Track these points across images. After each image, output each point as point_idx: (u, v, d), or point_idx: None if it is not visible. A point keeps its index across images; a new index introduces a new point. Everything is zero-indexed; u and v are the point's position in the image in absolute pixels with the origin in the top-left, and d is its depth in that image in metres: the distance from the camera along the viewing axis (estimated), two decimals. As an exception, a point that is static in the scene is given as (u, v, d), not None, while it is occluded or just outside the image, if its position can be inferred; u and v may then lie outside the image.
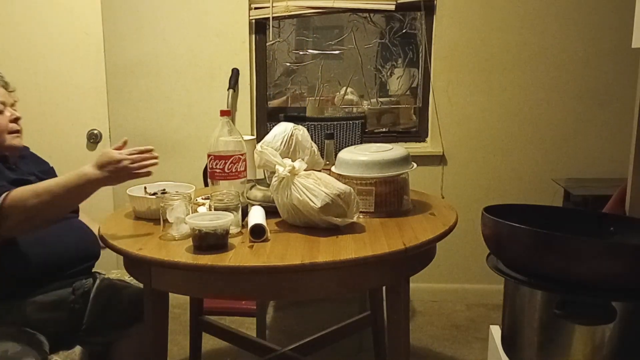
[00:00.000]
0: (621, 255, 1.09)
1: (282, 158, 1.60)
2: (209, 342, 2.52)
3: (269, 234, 1.48)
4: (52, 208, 1.51)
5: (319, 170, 1.68)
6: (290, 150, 1.74)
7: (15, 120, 1.71)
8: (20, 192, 1.48)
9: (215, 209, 1.50)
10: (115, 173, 1.50)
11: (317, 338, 2.17)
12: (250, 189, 1.75)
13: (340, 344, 2.41)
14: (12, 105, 1.74)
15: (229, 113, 1.70)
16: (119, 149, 1.55)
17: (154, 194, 1.73)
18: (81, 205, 1.76)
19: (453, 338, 2.75)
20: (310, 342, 2.15)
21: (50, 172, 1.84)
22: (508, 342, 1.31)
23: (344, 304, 2.97)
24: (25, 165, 1.78)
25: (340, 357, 2.54)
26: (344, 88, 3.30)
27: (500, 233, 1.24)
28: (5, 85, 1.77)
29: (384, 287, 1.58)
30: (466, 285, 3.14)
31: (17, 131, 1.72)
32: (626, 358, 1.13)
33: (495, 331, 1.43)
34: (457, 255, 3.07)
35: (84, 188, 1.51)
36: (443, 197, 3.03)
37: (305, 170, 1.57)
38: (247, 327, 2.75)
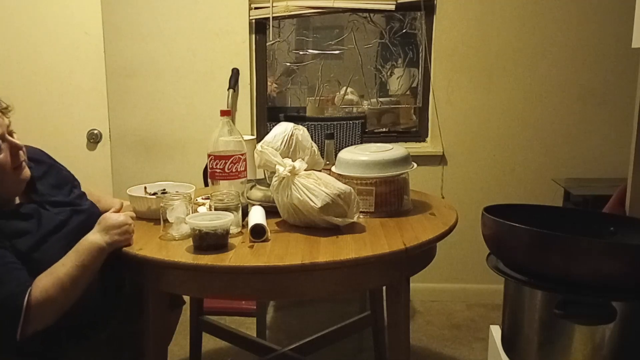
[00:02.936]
0: (621, 255, 1.09)
1: (282, 158, 1.60)
2: (209, 342, 2.52)
3: (269, 234, 1.48)
4: (76, 291, 1.40)
5: (319, 170, 1.68)
6: (290, 150, 1.74)
7: (17, 151, 1.45)
8: (43, 291, 1.33)
9: (215, 209, 1.50)
10: (126, 234, 1.45)
11: (317, 338, 2.17)
12: (251, 189, 1.75)
13: (340, 344, 2.41)
14: (9, 130, 1.44)
15: (229, 113, 1.70)
16: (117, 211, 1.56)
17: (154, 194, 1.73)
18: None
19: (453, 338, 2.75)
20: (310, 342, 2.15)
21: (64, 180, 1.69)
22: (508, 342, 1.31)
23: (344, 304, 2.97)
24: (36, 189, 1.55)
25: (340, 357, 2.54)
26: (344, 88, 3.30)
27: (500, 233, 1.24)
28: None
29: (384, 287, 1.58)
30: (466, 285, 3.14)
31: (22, 162, 1.47)
32: (626, 358, 1.13)
33: (495, 331, 1.43)
34: (457, 255, 3.07)
35: (98, 259, 1.42)
36: (443, 197, 3.02)
37: (305, 170, 1.57)
38: (247, 327, 2.75)
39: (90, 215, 1.61)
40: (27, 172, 1.49)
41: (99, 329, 1.58)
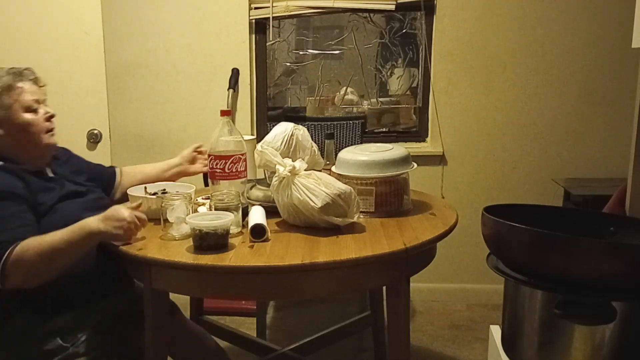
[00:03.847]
0: (621, 255, 1.09)
1: (283, 158, 1.60)
2: (209, 342, 2.51)
3: (269, 234, 1.48)
4: (55, 263, 1.44)
5: (319, 170, 1.68)
6: (290, 150, 1.75)
7: (50, 117, 1.66)
8: (23, 251, 1.40)
9: (215, 209, 1.50)
10: (120, 230, 1.44)
11: (317, 338, 2.17)
12: (251, 189, 1.75)
13: (340, 344, 2.41)
14: (44, 101, 1.69)
15: (229, 113, 1.71)
16: (134, 209, 1.53)
17: (154, 194, 1.73)
18: None
19: (453, 338, 2.75)
20: (310, 342, 2.15)
21: (81, 170, 1.82)
22: (508, 342, 1.31)
23: (344, 304, 2.97)
24: (60, 167, 1.73)
25: (340, 357, 2.54)
26: (344, 88, 3.30)
27: (500, 233, 1.24)
28: (36, 81, 1.69)
29: (384, 287, 1.58)
30: (466, 285, 3.14)
31: (52, 129, 1.67)
32: (626, 358, 1.13)
33: (495, 331, 1.43)
34: (457, 255, 3.07)
35: (86, 241, 1.45)
36: (443, 197, 3.02)
37: (305, 170, 1.57)
38: (247, 327, 2.75)
39: (103, 196, 1.80)
40: (54, 139, 1.68)
41: (83, 311, 1.60)
